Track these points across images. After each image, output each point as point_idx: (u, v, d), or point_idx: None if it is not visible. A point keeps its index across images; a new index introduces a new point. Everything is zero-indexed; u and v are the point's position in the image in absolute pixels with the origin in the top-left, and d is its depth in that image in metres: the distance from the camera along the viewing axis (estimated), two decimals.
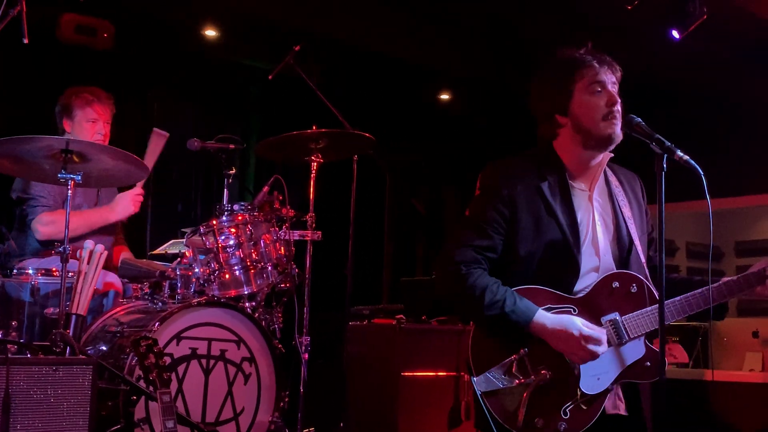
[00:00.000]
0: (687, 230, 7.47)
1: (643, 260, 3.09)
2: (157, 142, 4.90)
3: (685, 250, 7.71)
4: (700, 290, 3.02)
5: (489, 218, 2.97)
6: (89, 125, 4.90)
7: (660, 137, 2.81)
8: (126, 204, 4.89)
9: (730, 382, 4.83)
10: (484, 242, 2.96)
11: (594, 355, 2.87)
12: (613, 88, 3.04)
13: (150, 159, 4.83)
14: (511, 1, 6.53)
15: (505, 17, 6.63)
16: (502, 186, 2.99)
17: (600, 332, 2.90)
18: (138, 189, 4.94)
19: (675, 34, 5.73)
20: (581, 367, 2.89)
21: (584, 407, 2.89)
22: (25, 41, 3.72)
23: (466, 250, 2.95)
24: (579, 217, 3.01)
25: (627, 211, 3.11)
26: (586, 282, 2.99)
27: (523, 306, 2.87)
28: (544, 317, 2.87)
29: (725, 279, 3.06)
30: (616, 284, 2.99)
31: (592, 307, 2.95)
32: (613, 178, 3.18)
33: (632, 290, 3.00)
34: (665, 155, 2.78)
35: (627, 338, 2.95)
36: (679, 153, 2.78)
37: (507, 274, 2.95)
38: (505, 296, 2.86)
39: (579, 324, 2.88)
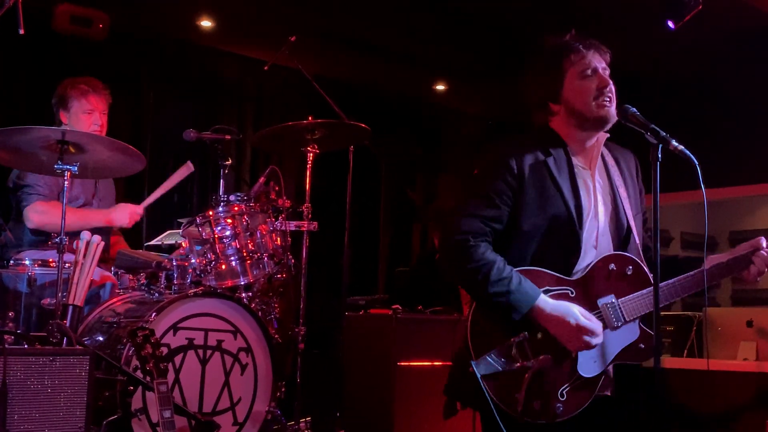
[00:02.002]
0: (682, 220, 7.47)
1: (638, 241, 3.11)
2: (181, 173, 4.91)
3: (679, 240, 7.71)
4: (692, 273, 3.04)
5: (497, 189, 2.96)
6: (86, 116, 4.89)
7: (655, 127, 2.82)
8: (122, 215, 4.85)
9: (725, 371, 4.84)
10: (491, 212, 2.95)
11: (588, 346, 2.89)
12: (604, 72, 3.06)
13: (167, 185, 4.87)
14: None
15: (500, 8, 6.63)
16: (510, 159, 2.98)
17: (596, 323, 2.92)
18: (139, 208, 4.92)
19: (670, 24, 5.74)
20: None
21: (580, 389, 2.91)
22: (21, 32, 3.72)
23: (473, 220, 2.94)
24: (582, 194, 3.03)
25: (623, 191, 3.13)
26: (585, 261, 3.00)
27: (527, 287, 2.87)
28: (545, 302, 2.88)
29: (715, 262, 3.08)
30: (612, 266, 3.00)
31: (589, 289, 2.97)
32: (609, 157, 3.18)
33: (628, 272, 3.02)
34: (660, 145, 2.79)
35: (623, 321, 2.97)
36: (674, 143, 2.80)
37: (509, 248, 2.96)
38: (511, 274, 2.86)
39: (577, 313, 2.89)
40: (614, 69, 3.12)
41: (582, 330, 2.87)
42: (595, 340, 2.90)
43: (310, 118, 4.94)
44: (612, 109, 3.00)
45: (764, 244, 3.09)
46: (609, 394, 3.04)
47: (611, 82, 3.03)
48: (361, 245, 7.72)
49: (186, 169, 4.93)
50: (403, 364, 5.13)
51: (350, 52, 7.59)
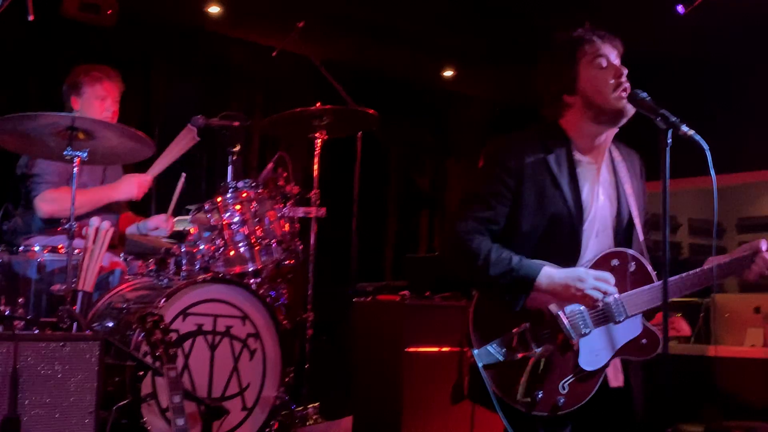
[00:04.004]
0: (689, 206, 7.48)
1: (642, 238, 3.10)
2: (186, 140, 4.87)
3: (687, 226, 7.72)
4: (695, 271, 3.04)
5: (494, 190, 2.97)
6: (98, 103, 4.90)
7: (665, 112, 2.80)
8: (130, 186, 4.85)
9: (732, 357, 4.86)
10: (486, 214, 2.96)
11: (605, 293, 2.90)
12: (617, 62, 3.04)
13: (174, 153, 4.85)
14: None
15: None
16: (508, 158, 2.99)
17: (607, 274, 2.94)
18: (147, 176, 4.92)
19: (680, 8, 5.73)
20: (580, 342, 2.90)
21: (582, 382, 2.91)
22: (30, 18, 3.72)
23: (467, 222, 2.96)
24: (584, 191, 3.02)
25: (628, 188, 3.12)
26: (585, 257, 3.00)
27: (529, 262, 2.89)
28: (551, 270, 2.89)
29: (717, 262, 3.08)
30: (615, 262, 3.00)
31: None
32: (615, 153, 3.18)
33: (630, 269, 3.02)
34: (670, 130, 2.78)
35: (625, 316, 2.96)
36: (684, 128, 2.77)
37: (509, 248, 2.95)
38: (510, 255, 2.88)
39: (583, 271, 2.91)
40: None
41: (594, 280, 2.89)
42: (610, 288, 2.91)
43: (318, 104, 4.94)
44: (628, 103, 2.98)
45: (764, 248, 3.09)
46: (621, 385, 3.04)
47: (625, 69, 3.02)
48: (368, 231, 7.72)
49: (188, 132, 4.87)
50: (411, 350, 5.13)
51: (358, 38, 7.58)
